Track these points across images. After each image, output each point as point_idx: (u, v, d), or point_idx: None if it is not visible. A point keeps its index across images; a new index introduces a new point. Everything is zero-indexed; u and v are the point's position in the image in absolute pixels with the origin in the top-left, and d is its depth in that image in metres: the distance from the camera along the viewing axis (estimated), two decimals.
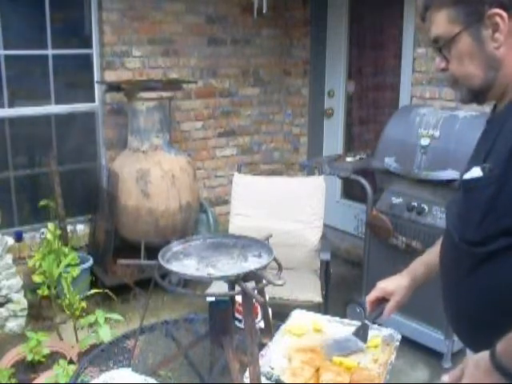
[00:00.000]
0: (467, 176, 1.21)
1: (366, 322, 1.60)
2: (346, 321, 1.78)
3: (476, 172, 1.18)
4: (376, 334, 1.68)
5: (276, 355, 1.58)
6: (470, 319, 1.27)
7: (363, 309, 3.39)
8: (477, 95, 1.25)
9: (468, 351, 1.40)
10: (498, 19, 1.14)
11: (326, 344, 1.60)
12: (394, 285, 1.57)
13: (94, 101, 4.20)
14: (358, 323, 1.71)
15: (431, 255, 1.57)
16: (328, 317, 1.81)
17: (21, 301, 3.42)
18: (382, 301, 1.58)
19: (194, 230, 4.15)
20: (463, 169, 1.29)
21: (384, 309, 1.57)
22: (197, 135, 4.63)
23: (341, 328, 1.73)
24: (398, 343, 1.63)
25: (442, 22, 1.22)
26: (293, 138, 5.11)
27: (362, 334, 1.60)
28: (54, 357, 2.72)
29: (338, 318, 1.80)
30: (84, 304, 3.01)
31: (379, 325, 1.71)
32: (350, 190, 4.80)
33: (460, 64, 1.22)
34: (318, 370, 1.51)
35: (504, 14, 1.14)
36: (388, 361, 1.55)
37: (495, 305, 1.19)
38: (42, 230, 3.78)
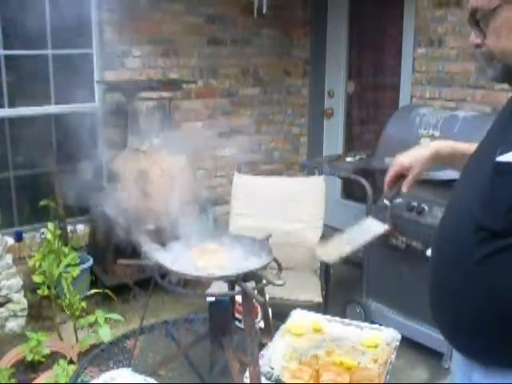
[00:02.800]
0: (504, 158, 1.11)
1: (385, 201, 1.54)
2: (346, 321, 1.79)
3: None
4: (376, 333, 1.68)
5: (276, 355, 1.58)
6: (469, 319, 1.19)
7: (363, 309, 3.39)
8: (511, 72, 1.18)
9: (455, 353, 1.35)
10: None
11: (349, 230, 1.54)
12: (413, 158, 1.51)
13: (94, 101, 4.20)
14: (359, 323, 1.71)
15: (461, 144, 1.51)
16: (328, 317, 1.81)
17: (21, 301, 3.41)
18: (399, 178, 1.52)
19: (194, 230, 4.14)
20: (484, 150, 1.22)
21: (400, 185, 1.51)
22: (197, 135, 4.62)
23: (341, 328, 1.73)
24: (397, 343, 1.63)
25: None
26: (293, 138, 5.11)
27: (381, 215, 1.54)
28: (54, 357, 2.72)
29: (338, 318, 1.80)
30: (84, 304, 3.00)
31: (380, 325, 1.71)
32: (350, 190, 4.80)
33: (498, 39, 1.15)
34: (317, 371, 1.51)
35: None
36: (388, 361, 1.55)
37: (503, 304, 1.12)
38: (42, 230, 3.77)
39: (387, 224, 1.53)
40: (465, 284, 1.19)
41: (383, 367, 1.53)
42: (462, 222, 1.20)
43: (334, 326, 1.75)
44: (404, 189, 1.50)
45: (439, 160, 1.52)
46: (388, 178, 1.53)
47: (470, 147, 1.44)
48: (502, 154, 1.11)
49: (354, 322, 1.75)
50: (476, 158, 1.29)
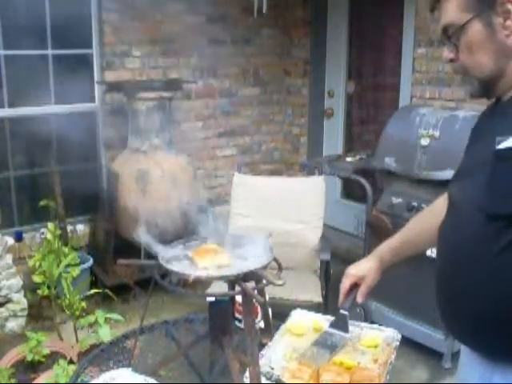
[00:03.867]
0: (504, 145, 1.13)
1: (342, 311, 1.59)
2: None
3: None
4: (376, 333, 1.68)
5: (276, 355, 1.57)
6: (484, 312, 1.17)
7: (363, 309, 3.39)
8: (487, 86, 1.22)
9: (467, 354, 1.33)
10: (509, 6, 1.12)
11: (313, 352, 1.57)
12: (364, 269, 1.58)
13: (94, 101, 4.20)
14: (357, 323, 1.71)
15: (397, 240, 1.62)
16: (328, 317, 1.81)
17: (21, 301, 3.42)
18: (353, 287, 1.59)
19: (194, 230, 4.14)
20: (474, 144, 1.29)
21: (356, 295, 1.57)
22: (197, 135, 4.63)
23: None
24: (398, 343, 1.63)
25: (452, 10, 1.20)
26: (293, 138, 5.11)
27: (341, 325, 1.59)
28: (53, 357, 2.72)
29: None
30: (84, 304, 3.01)
31: (380, 325, 1.71)
32: (350, 190, 4.80)
33: (470, 53, 1.19)
34: (317, 371, 1.51)
35: None
36: (388, 361, 1.55)
37: None
38: (42, 230, 3.77)
39: (347, 332, 1.60)
40: (485, 279, 1.17)
41: (383, 367, 1.53)
42: (472, 219, 1.20)
43: None
44: (359, 299, 1.57)
45: (386, 264, 1.61)
46: (342, 289, 1.59)
47: (407, 233, 1.62)
48: (500, 143, 1.14)
49: (354, 322, 1.74)
50: (471, 156, 1.30)
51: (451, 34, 1.21)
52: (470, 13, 1.17)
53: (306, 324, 1.73)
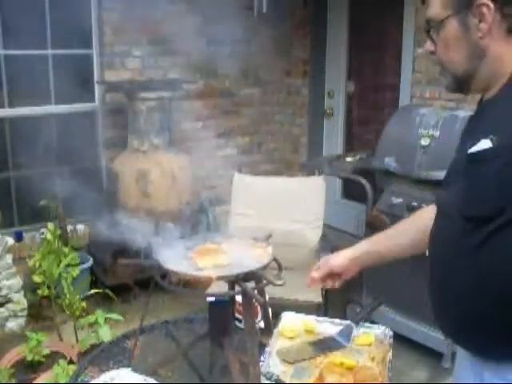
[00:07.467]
0: (474, 149, 1.17)
1: (349, 322, 1.63)
2: (336, 320, 1.79)
3: (485, 144, 1.15)
4: (367, 331, 1.69)
5: (273, 361, 1.58)
6: (468, 308, 1.21)
7: (363, 309, 3.39)
8: (460, 83, 1.27)
9: (461, 353, 1.35)
10: (484, 10, 1.15)
11: (307, 350, 1.60)
12: (341, 267, 1.66)
13: (94, 101, 4.20)
14: (348, 322, 1.72)
15: (376, 241, 1.70)
16: (315, 317, 1.82)
17: (21, 301, 3.41)
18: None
19: (194, 230, 4.15)
20: (458, 148, 1.31)
21: (372, 308, 1.60)
22: (197, 135, 4.62)
23: (331, 328, 1.73)
24: (391, 340, 1.64)
25: (435, 5, 1.24)
26: (293, 138, 5.11)
27: (346, 334, 1.63)
28: (53, 357, 2.72)
29: (327, 318, 1.81)
30: (84, 304, 3.00)
31: (371, 322, 1.72)
32: (350, 190, 4.80)
33: (446, 48, 1.24)
34: (321, 373, 1.51)
35: (491, 5, 1.15)
36: (385, 358, 1.56)
37: (499, 290, 1.14)
38: (42, 230, 3.77)
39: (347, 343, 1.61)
40: (465, 279, 1.20)
41: (382, 365, 1.53)
42: (453, 219, 1.24)
43: (324, 326, 1.76)
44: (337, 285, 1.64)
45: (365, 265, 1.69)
46: (316, 275, 1.66)
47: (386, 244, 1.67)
48: (471, 146, 1.18)
49: (343, 322, 1.75)
50: (454, 161, 1.34)
51: (431, 28, 1.26)
52: (449, 10, 1.21)
53: (297, 326, 1.74)
